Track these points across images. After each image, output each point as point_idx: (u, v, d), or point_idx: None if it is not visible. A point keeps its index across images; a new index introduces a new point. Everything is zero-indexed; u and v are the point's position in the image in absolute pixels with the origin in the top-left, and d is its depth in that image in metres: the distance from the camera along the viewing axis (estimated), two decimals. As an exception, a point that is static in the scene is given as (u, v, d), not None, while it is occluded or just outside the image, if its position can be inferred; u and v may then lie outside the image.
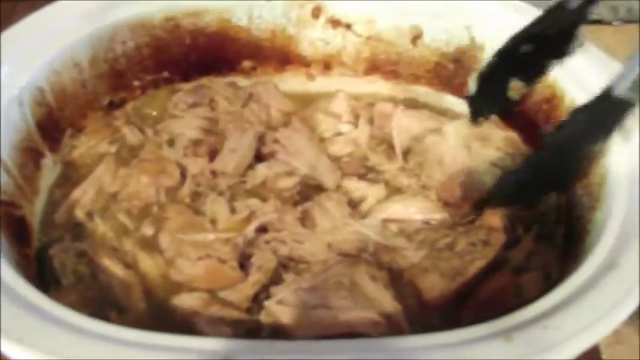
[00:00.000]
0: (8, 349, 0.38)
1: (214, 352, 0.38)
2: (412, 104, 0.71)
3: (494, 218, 0.56)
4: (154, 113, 0.67)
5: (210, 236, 0.54)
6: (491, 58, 0.58)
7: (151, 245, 0.54)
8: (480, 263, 0.52)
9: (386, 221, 0.56)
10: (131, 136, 0.64)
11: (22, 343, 0.38)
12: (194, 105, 0.65)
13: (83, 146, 0.63)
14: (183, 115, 0.64)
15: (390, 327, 0.47)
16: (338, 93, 0.68)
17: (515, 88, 0.57)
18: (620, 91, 0.47)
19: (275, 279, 0.51)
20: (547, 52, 0.56)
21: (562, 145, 0.52)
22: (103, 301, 0.51)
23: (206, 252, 0.52)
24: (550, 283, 0.51)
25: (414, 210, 0.57)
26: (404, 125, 0.64)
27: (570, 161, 0.53)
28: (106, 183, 0.59)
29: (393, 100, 0.70)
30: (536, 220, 0.58)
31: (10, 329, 0.39)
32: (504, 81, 0.58)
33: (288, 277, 0.51)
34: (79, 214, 0.57)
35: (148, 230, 0.55)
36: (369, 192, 0.59)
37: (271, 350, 0.38)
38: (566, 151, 0.52)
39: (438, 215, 0.57)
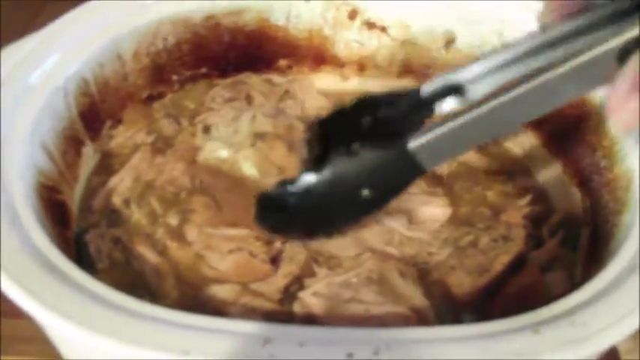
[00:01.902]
0: (60, 326, 0.40)
1: (253, 335, 0.39)
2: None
3: (512, 215, 0.57)
4: (192, 106, 0.69)
5: (243, 232, 0.55)
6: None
7: (179, 235, 0.56)
8: (504, 258, 0.53)
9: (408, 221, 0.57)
10: (168, 126, 0.65)
11: (72, 320, 0.39)
12: (231, 99, 0.67)
13: (121, 136, 0.65)
14: (219, 107, 0.66)
15: (420, 322, 0.48)
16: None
17: None
18: (415, 146, 0.45)
19: (306, 272, 0.52)
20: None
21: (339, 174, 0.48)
22: (136, 287, 0.52)
23: (237, 245, 0.53)
24: (574, 284, 0.52)
25: (434, 209, 0.57)
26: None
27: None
28: (143, 171, 0.61)
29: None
30: (562, 224, 0.59)
31: (59, 306, 0.40)
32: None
33: (321, 270, 0.52)
34: (116, 201, 0.59)
35: (172, 220, 0.56)
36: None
37: (309, 335, 0.39)
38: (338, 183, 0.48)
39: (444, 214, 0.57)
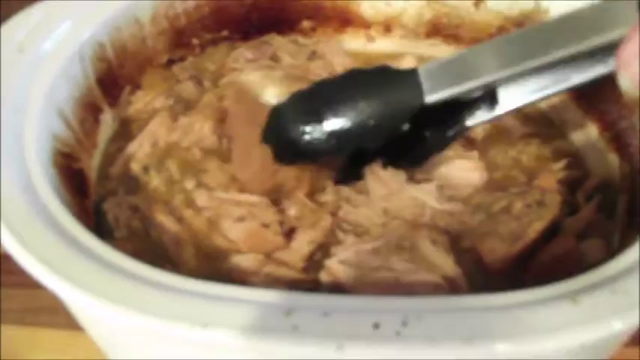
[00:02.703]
0: (78, 297, 0.39)
1: (275, 305, 0.38)
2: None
3: (547, 179, 0.55)
4: (212, 68, 0.67)
5: (254, 198, 0.53)
6: None
7: (193, 202, 0.54)
8: (538, 225, 0.50)
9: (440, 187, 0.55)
10: (189, 89, 0.64)
11: (91, 292, 0.38)
12: (255, 60, 0.65)
13: (140, 102, 0.63)
14: (243, 67, 0.64)
15: (452, 291, 0.46)
16: (405, 55, 0.67)
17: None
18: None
19: (331, 239, 0.51)
20: None
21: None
22: (155, 256, 0.51)
23: (248, 211, 0.51)
24: (611, 252, 0.50)
25: (470, 173, 0.55)
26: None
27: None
28: (162, 135, 0.59)
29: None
30: (598, 189, 0.56)
31: (77, 278, 0.39)
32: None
33: (347, 238, 0.50)
34: (135, 167, 0.58)
35: (188, 185, 0.55)
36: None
37: (334, 304, 0.38)
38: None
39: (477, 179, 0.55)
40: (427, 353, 0.36)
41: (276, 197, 0.54)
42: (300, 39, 0.71)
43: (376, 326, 0.36)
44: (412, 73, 0.50)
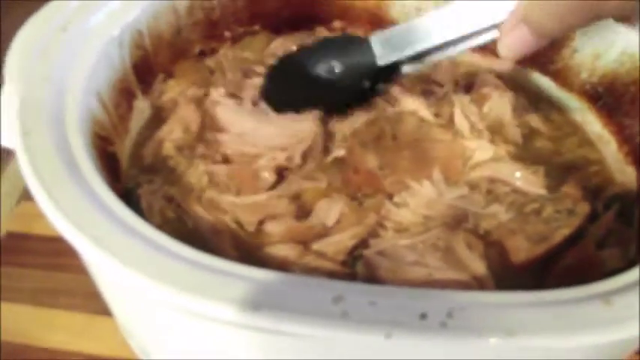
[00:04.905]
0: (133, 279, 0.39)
1: (323, 291, 0.38)
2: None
3: (573, 186, 0.56)
4: (252, 57, 0.68)
5: (262, 197, 0.54)
6: None
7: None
8: (565, 231, 0.52)
9: (486, 179, 0.56)
10: (224, 79, 0.64)
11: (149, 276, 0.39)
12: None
13: (172, 90, 0.64)
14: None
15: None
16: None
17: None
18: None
19: (372, 235, 0.52)
20: None
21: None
22: (192, 244, 0.51)
23: (266, 213, 0.53)
24: (628, 261, 0.51)
25: (519, 176, 0.56)
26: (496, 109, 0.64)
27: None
28: (192, 121, 0.60)
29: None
30: (616, 198, 0.57)
31: (127, 257, 0.40)
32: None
33: (387, 234, 0.51)
34: (168, 146, 0.58)
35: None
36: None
37: (380, 294, 0.39)
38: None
39: (538, 191, 0.56)
40: (471, 343, 0.37)
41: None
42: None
43: (423, 316, 0.37)
44: (366, 41, 0.57)
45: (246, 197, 0.54)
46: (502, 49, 0.51)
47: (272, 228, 0.52)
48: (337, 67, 0.58)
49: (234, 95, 0.61)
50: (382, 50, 0.56)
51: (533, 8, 0.46)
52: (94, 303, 0.60)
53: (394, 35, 0.56)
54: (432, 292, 0.40)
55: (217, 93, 0.61)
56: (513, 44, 0.49)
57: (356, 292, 0.39)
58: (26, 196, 0.76)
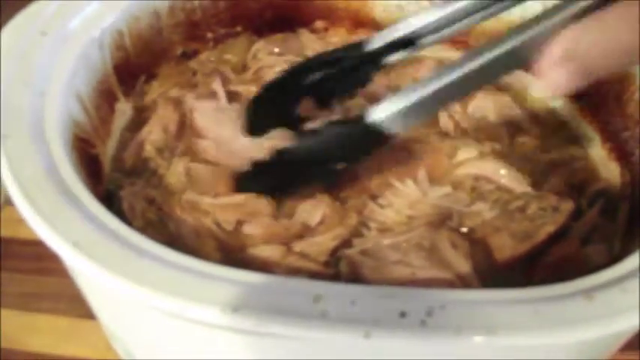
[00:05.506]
0: (109, 280, 0.39)
1: (303, 291, 0.38)
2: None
3: (556, 182, 0.57)
4: (234, 60, 0.67)
5: (239, 197, 0.54)
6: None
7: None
8: (549, 228, 0.52)
9: (470, 177, 0.56)
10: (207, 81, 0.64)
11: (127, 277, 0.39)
12: (280, 54, 0.66)
13: (154, 92, 0.64)
14: (269, 61, 0.65)
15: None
16: (425, 59, 0.68)
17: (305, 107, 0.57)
18: (377, 118, 0.47)
19: (355, 235, 0.51)
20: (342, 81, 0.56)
21: (307, 150, 0.52)
22: (174, 247, 0.51)
23: (244, 213, 0.52)
24: (613, 258, 0.51)
25: (504, 173, 0.56)
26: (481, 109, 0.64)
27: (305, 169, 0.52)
28: (171, 120, 0.59)
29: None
30: (600, 194, 0.57)
31: (107, 260, 0.40)
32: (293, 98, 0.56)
33: (370, 234, 0.51)
34: (149, 148, 0.58)
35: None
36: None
37: (360, 293, 0.39)
38: (308, 158, 0.52)
39: (523, 188, 0.56)
40: (451, 342, 0.37)
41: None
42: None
43: (402, 315, 0.37)
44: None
45: (225, 197, 0.53)
46: (543, 88, 0.45)
47: (250, 228, 0.51)
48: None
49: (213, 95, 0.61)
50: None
51: (584, 46, 0.41)
52: (78, 307, 0.60)
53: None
54: (412, 290, 0.39)
55: (192, 98, 0.60)
56: (557, 83, 0.43)
57: (336, 291, 0.38)
58: (10, 200, 0.75)
